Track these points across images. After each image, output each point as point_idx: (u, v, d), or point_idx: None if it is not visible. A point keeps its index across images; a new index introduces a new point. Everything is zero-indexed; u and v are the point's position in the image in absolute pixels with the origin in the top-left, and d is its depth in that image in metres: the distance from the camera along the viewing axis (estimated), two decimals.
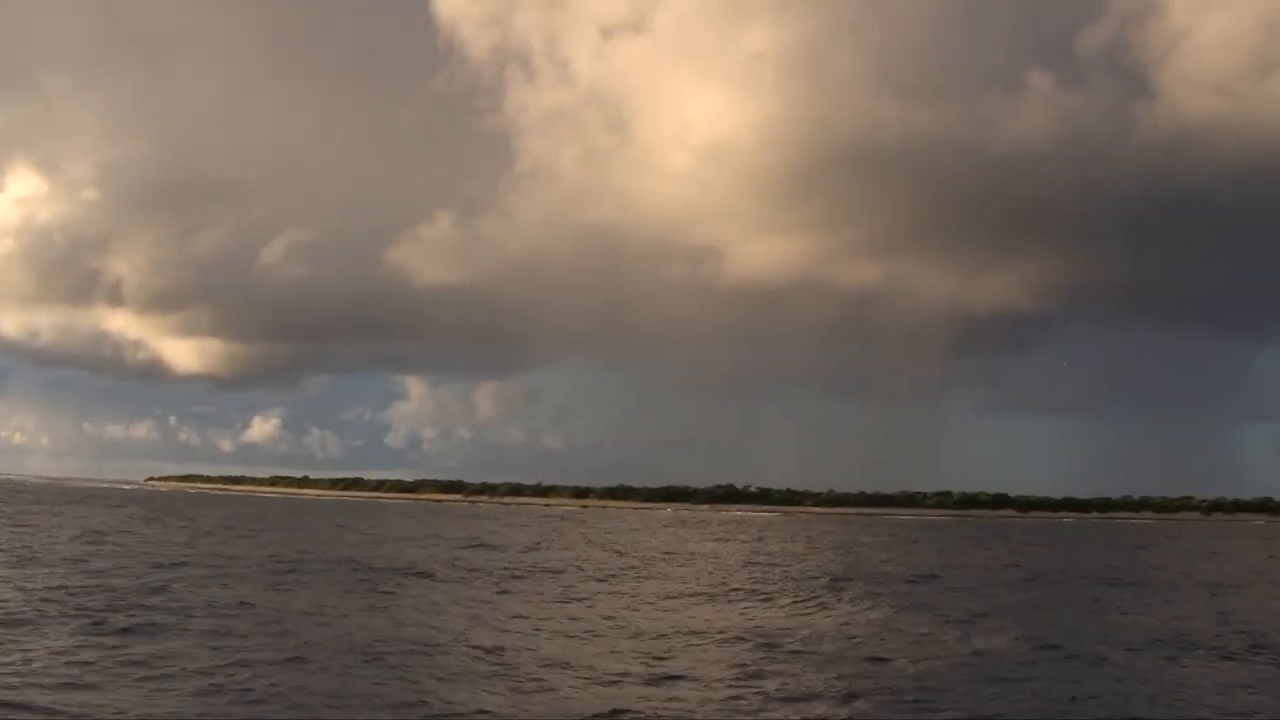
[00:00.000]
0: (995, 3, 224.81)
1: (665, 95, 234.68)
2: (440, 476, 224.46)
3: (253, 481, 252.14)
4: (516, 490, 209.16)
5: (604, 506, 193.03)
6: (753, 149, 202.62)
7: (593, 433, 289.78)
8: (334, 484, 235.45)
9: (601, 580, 35.75)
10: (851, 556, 54.48)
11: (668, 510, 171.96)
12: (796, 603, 30.11)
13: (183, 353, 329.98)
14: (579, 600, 29.19)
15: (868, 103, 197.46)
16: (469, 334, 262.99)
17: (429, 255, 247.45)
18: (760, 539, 74.12)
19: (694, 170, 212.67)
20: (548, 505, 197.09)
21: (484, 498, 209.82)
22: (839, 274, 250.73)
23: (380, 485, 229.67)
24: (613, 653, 20.26)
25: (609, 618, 25.14)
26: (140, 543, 46.09)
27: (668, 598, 30.60)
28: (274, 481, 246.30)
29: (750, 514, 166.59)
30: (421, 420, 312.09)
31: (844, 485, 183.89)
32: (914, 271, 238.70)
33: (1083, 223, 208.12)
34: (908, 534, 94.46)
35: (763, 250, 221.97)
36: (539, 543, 59.50)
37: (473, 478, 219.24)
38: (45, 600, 24.44)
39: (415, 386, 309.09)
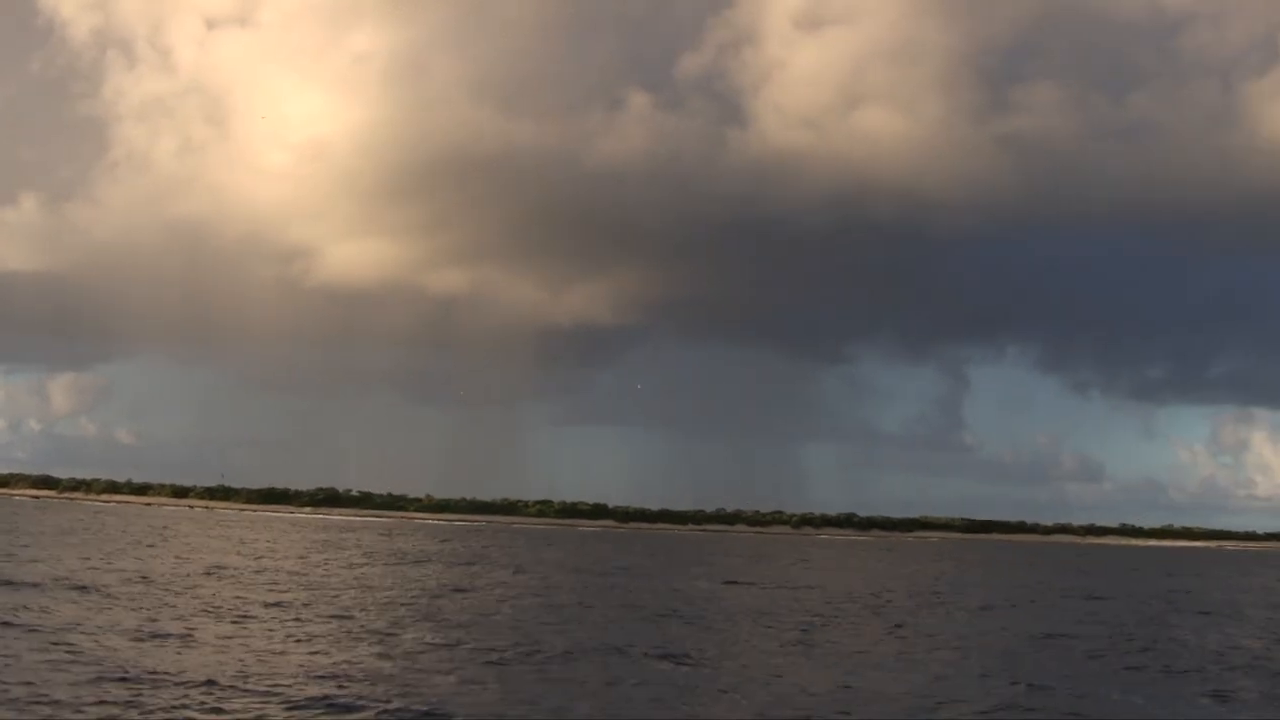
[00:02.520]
0: (599, 23, 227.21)
1: (266, 91, 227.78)
2: (4, 470, 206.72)
3: None
4: (114, 488, 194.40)
5: (208, 507, 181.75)
6: (350, 151, 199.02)
7: (177, 429, 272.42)
8: None
9: None
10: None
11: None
12: None
13: None
14: None
15: (467, 112, 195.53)
16: (48, 323, 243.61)
17: (9, 239, 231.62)
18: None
19: (290, 169, 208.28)
20: (148, 504, 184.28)
21: (79, 494, 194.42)
22: (429, 280, 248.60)
23: None
24: None
25: None
26: None
27: None
28: None
29: (373, 519, 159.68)
30: None
31: (435, 490, 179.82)
32: (503, 281, 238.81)
33: (670, 240, 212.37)
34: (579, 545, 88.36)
35: (355, 252, 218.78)
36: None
37: (44, 471, 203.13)
38: None
39: None
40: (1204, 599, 53.40)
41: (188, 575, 40.59)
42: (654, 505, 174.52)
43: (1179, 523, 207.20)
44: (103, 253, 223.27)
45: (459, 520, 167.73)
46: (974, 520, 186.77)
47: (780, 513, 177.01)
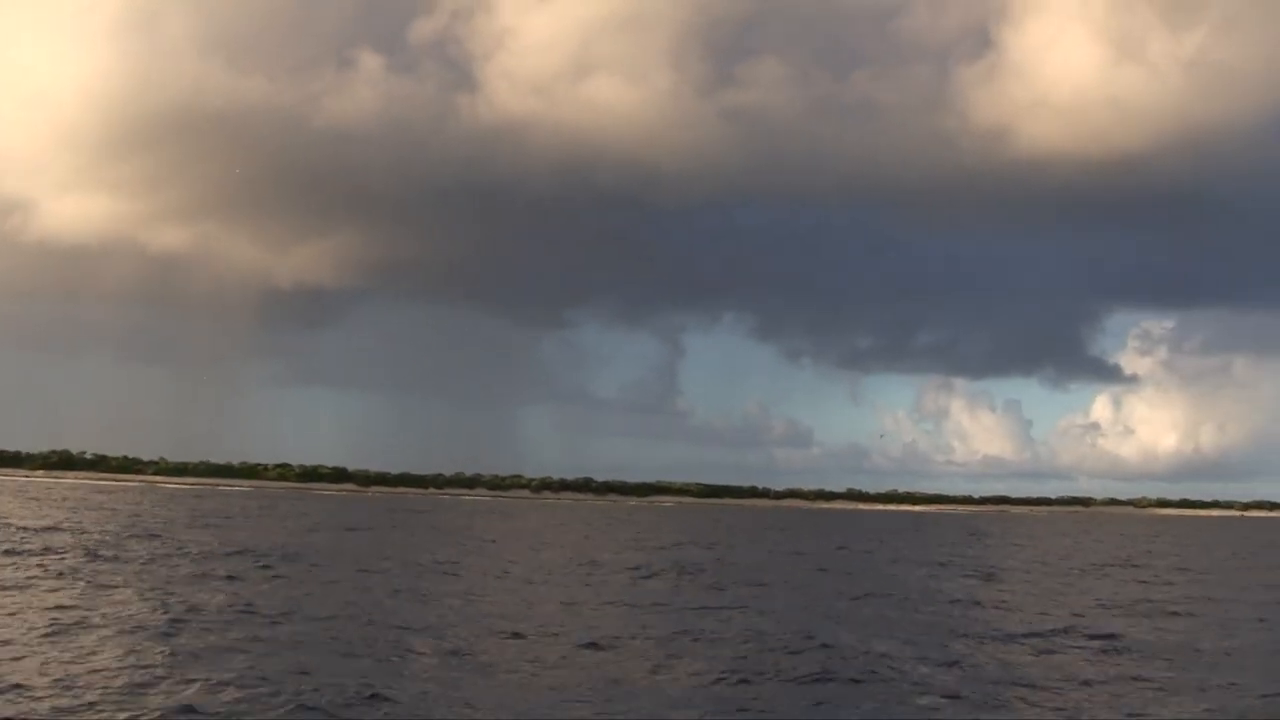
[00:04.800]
0: None
1: None
2: None
3: None
4: None
5: None
6: (74, 103, 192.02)
7: None
8: None
9: None
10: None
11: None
12: None
13: None
14: None
15: (196, 67, 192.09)
16: None
17: None
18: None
19: (9, 118, 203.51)
20: None
21: None
22: (151, 237, 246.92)
23: None
24: None
25: None
26: None
27: None
28: None
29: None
30: None
31: (164, 453, 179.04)
32: (227, 240, 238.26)
33: (397, 203, 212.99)
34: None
35: (75, 207, 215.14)
36: None
37: None
38: None
39: None
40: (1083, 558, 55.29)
41: None
42: (379, 468, 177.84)
43: (884, 486, 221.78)
44: None
45: (201, 484, 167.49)
46: (708, 485, 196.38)
47: (520, 476, 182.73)
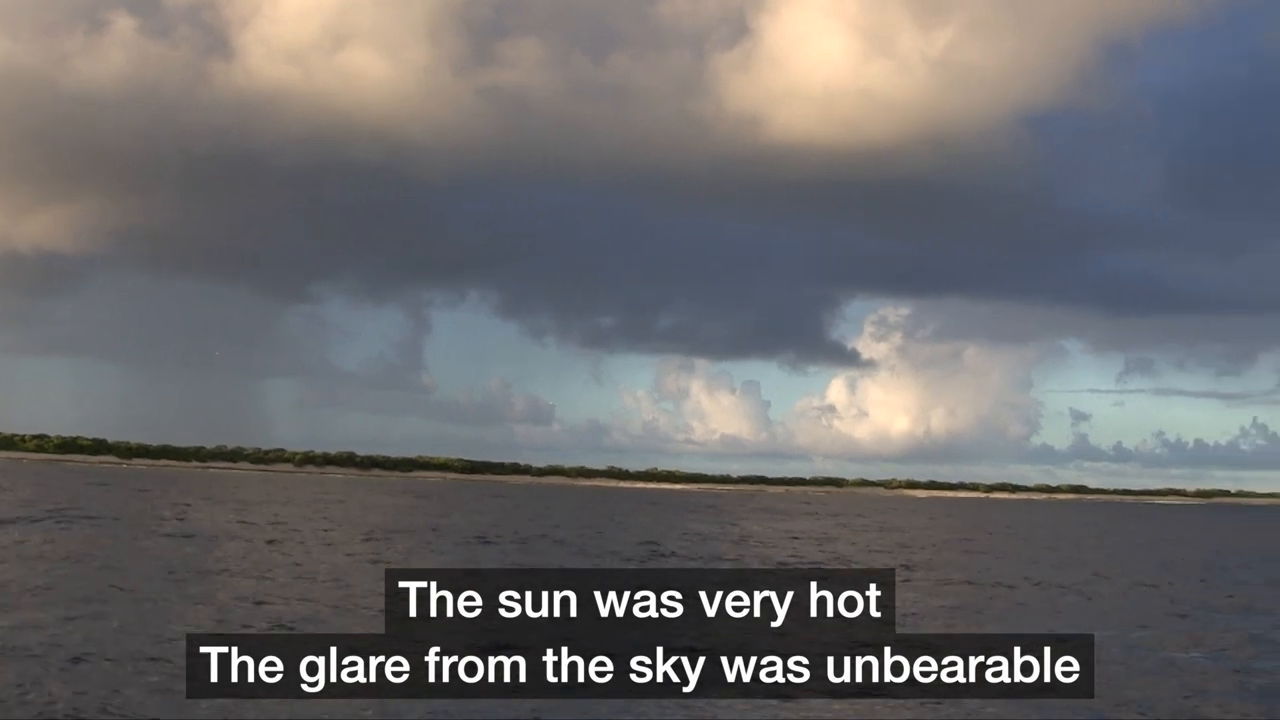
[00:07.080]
0: None
1: None
2: None
3: None
4: None
5: None
6: None
7: None
8: None
9: None
10: None
11: None
12: None
13: None
14: None
15: None
16: None
17: None
18: None
19: None
20: None
21: None
22: None
23: None
24: None
25: None
26: None
27: None
28: None
29: None
30: None
31: None
32: None
33: (143, 170, 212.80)
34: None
35: None
36: None
37: None
38: None
39: None
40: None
41: None
42: (132, 439, 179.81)
43: (624, 463, 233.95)
44: None
45: None
46: (472, 461, 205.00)
47: (283, 450, 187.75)
